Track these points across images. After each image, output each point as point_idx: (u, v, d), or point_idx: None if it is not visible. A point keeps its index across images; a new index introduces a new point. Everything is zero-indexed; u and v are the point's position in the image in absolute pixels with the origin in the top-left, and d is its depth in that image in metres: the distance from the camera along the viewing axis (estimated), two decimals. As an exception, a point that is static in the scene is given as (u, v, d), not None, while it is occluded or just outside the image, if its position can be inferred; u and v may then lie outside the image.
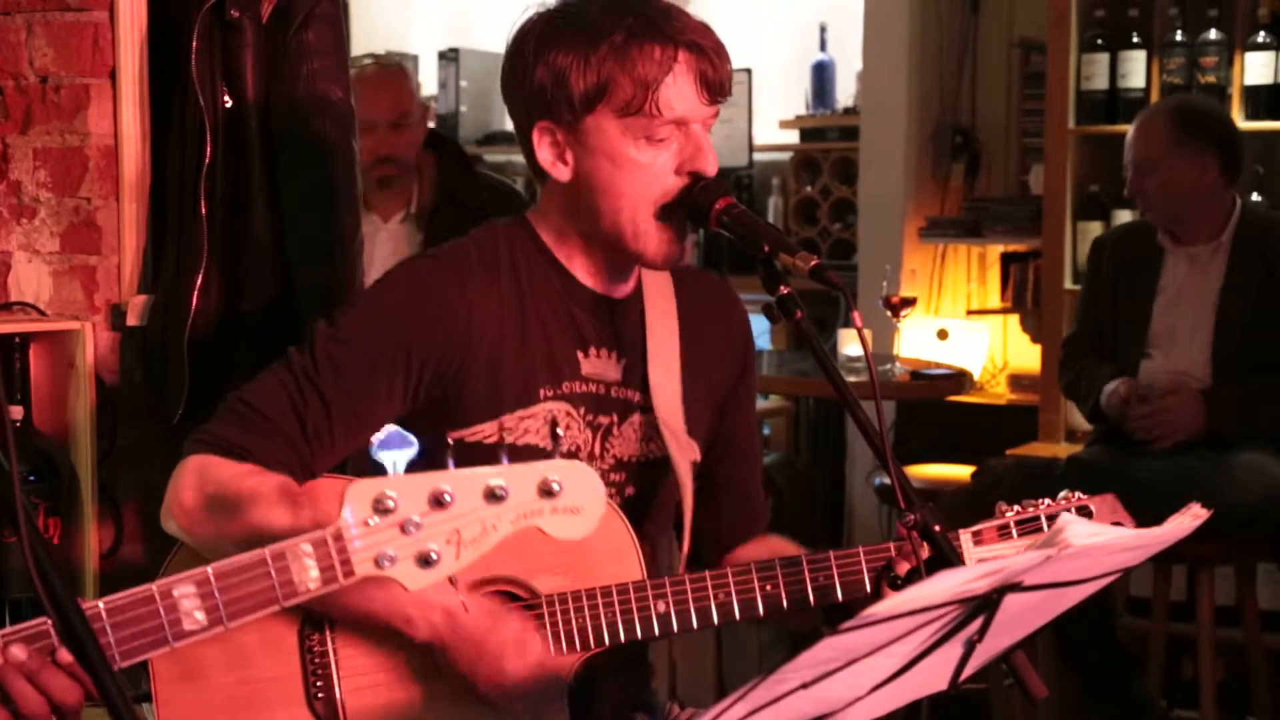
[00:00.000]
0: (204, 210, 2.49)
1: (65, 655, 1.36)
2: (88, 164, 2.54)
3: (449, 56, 6.34)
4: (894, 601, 1.26)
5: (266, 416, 1.83)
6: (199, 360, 2.50)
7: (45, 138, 2.57)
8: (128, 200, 2.55)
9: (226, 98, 2.51)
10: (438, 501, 1.40)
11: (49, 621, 1.36)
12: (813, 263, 1.77)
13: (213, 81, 2.49)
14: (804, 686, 1.26)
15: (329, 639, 1.82)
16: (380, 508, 1.40)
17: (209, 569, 1.41)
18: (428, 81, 6.61)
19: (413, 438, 1.43)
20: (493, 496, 1.42)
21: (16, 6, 2.56)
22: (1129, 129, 3.79)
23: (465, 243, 1.96)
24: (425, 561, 1.41)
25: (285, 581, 1.41)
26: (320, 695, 1.82)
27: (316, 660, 1.82)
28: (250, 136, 2.52)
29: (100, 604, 1.38)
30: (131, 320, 2.55)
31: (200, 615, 1.40)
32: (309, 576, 1.41)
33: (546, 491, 1.43)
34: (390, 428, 1.43)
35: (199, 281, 2.49)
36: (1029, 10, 5.10)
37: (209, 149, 2.48)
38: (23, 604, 2.31)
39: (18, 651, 1.36)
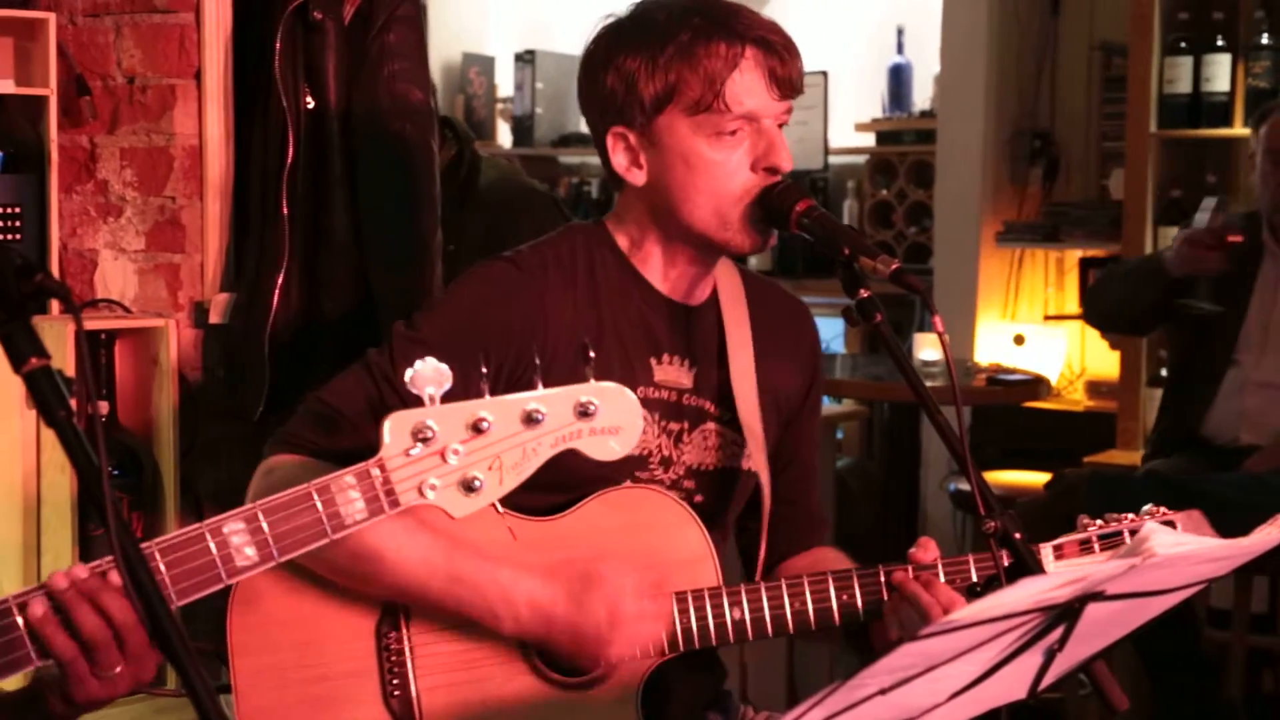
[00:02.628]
0: (285, 210, 2.52)
1: (115, 577, 1.37)
2: (173, 164, 2.58)
3: (525, 59, 6.37)
4: (975, 608, 1.25)
5: (345, 416, 1.84)
6: (279, 358, 2.52)
7: (132, 138, 2.61)
8: (211, 199, 2.58)
9: (309, 99, 2.53)
10: (476, 428, 1.42)
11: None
12: (893, 266, 1.76)
13: (295, 83, 2.52)
14: (882, 692, 1.25)
15: (405, 636, 1.84)
16: (420, 437, 1.42)
17: (257, 505, 1.42)
18: (504, 83, 6.64)
19: (446, 369, 1.43)
20: (530, 420, 1.44)
21: (106, 9, 2.60)
22: (1226, 130, 3.72)
23: (543, 246, 1.97)
24: (468, 488, 1.43)
25: (332, 514, 1.43)
26: (396, 692, 1.83)
27: (393, 658, 1.83)
28: (331, 137, 2.55)
29: (154, 547, 1.39)
30: (214, 318, 2.58)
31: (251, 551, 1.41)
32: (355, 508, 1.43)
33: (584, 412, 1.45)
34: (425, 359, 1.44)
35: (280, 280, 2.52)
36: (1110, 12, 5.04)
37: (291, 149, 2.51)
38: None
39: (79, 570, 1.37)
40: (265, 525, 1.41)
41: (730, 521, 2.01)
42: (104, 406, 2.42)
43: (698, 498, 1.99)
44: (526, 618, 1.78)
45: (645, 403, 1.94)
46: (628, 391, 1.47)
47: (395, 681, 1.83)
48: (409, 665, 1.83)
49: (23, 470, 2.35)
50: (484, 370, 1.85)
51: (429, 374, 1.43)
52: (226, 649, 1.82)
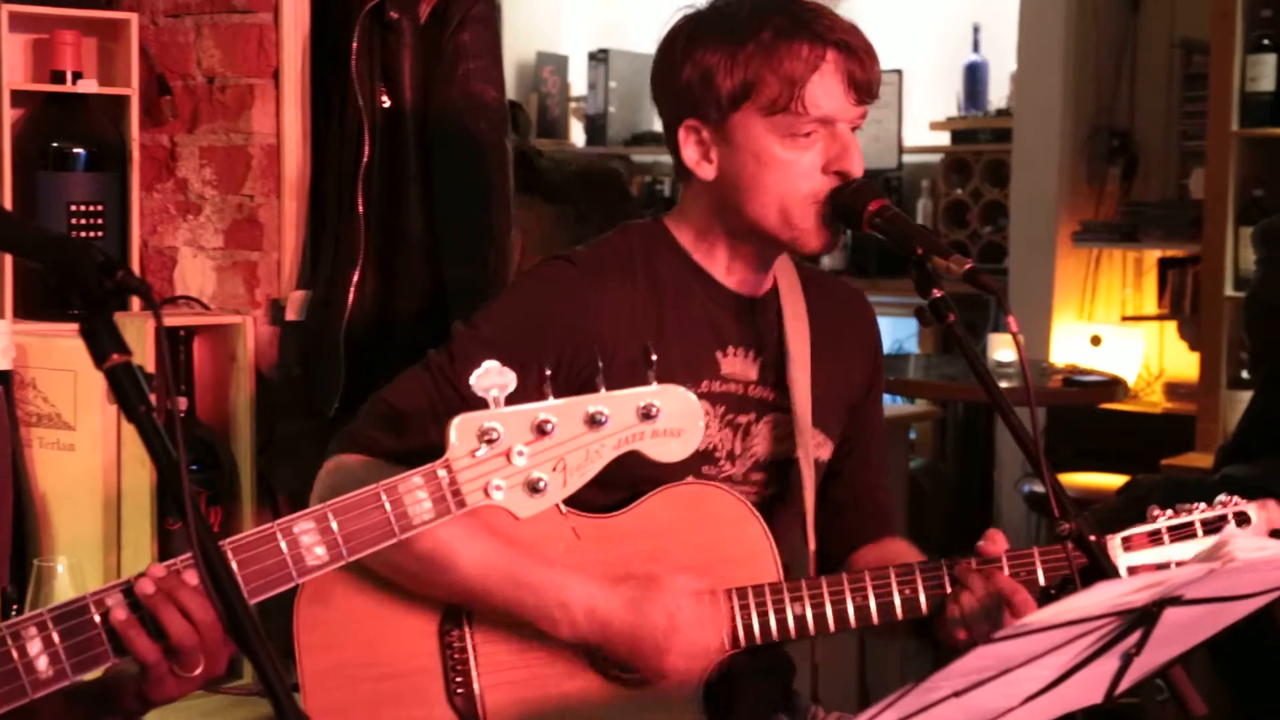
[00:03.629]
0: (361, 208, 2.54)
1: (192, 576, 1.39)
2: (251, 162, 2.61)
3: (599, 57, 6.38)
4: (1050, 611, 1.24)
5: (406, 415, 1.86)
6: (354, 355, 2.54)
7: (211, 136, 2.64)
8: (288, 198, 2.61)
9: (385, 98, 2.55)
10: (541, 430, 1.45)
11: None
12: (967, 266, 1.75)
13: (372, 82, 2.53)
14: (955, 695, 1.25)
15: (468, 634, 1.85)
16: (486, 438, 1.44)
17: (327, 505, 1.45)
18: (577, 82, 6.66)
19: (510, 371, 1.45)
20: (594, 422, 1.46)
21: (186, 9, 2.63)
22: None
23: (601, 245, 1.98)
24: (533, 489, 1.46)
25: (400, 514, 1.45)
26: (460, 690, 1.84)
27: (456, 656, 1.84)
28: (407, 136, 2.56)
29: (227, 546, 1.41)
30: (290, 315, 2.60)
31: (320, 550, 1.43)
32: (422, 509, 1.45)
33: (646, 415, 1.48)
34: (489, 362, 1.45)
35: (355, 278, 2.54)
36: (1191, 9, 4.98)
37: (367, 148, 2.53)
38: (183, 590, 2.37)
39: (157, 569, 1.40)
40: (335, 525, 1.43)
41: (808, 514, 2.01)
42: (182, 402, 2.45)
43: (768, 490, 1.99)
44: (584, 624, 1.79)
45: (710, 397, 1.94)
46: (689, 394, 1.49)
47: (458, 679, 1.84)
48: (472, 663, 1.84)
49: (103, 463, 2.38)
50: (544, 369, 1.87)
51: (493, 376, 1.45)
52: (294, 646, 1.84)
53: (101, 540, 2.38)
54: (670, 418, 1.48)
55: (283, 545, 1.42)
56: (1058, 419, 4.89)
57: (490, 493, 1.45)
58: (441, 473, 1.45)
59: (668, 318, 1.93)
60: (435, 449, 1.85)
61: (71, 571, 2.18)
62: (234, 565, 1.40)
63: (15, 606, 2.28)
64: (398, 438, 1.85)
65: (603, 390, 1.48)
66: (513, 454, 1.45)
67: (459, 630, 1.84)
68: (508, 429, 1.45)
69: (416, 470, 1.46)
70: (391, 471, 1.80)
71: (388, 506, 1.45)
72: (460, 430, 1.45)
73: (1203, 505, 1.90)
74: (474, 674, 1.84)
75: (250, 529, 2.47)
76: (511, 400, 1.86)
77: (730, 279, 1.97)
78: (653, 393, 1.48)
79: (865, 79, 1.86)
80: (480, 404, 1.84)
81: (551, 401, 1.46)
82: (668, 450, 1.49)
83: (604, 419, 1.46)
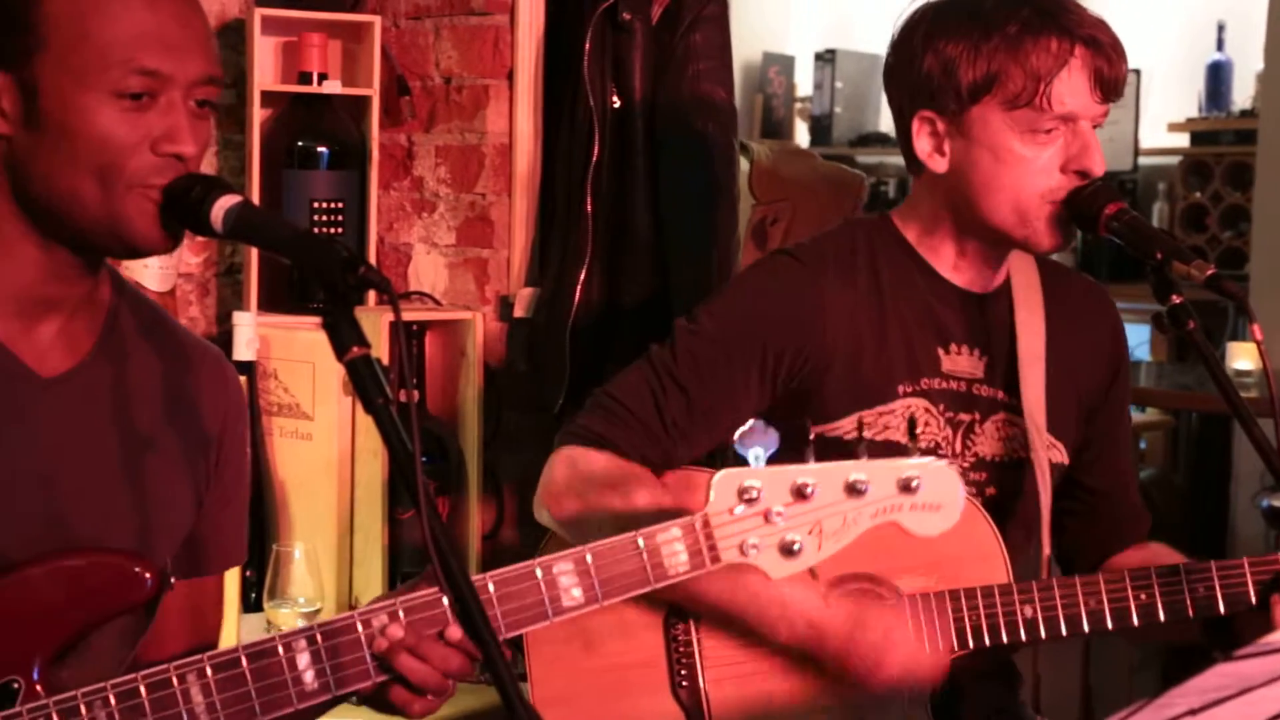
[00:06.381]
0: (589, 207, 2.57)
1: (455, 632, 1.43)
2: (484, 161, 2.66)
3: (825, 58, 6.35)
4: (1295, 632, 1.19)
5: (629, 409, 1.88)
6: (579, 352, 2.58)
7: (446, 136, 2.70)
8: (519, 196, 2.65)
9: (615, 98, 2.58)
10: (800, 493, 1.45)
11: (438, 592, 1.43)
12: (1209, 272, 1.71)
13: (603, 82, 2.56)
14: (1191, 713, 1.21)
15: (694, 628, 1.86)
16: (745, 497, 1.45)
17: (586, 549, 1.47)
18: (803, 83, 6.63)
19: (773, 430, 1.46)
20: (853, 490, 1.46)
21: (426, 11, 2.70)
22: None
23: (823, 240, 1.97)
24: (788, 551, 1.46)
25: (656, 564, 1.47)
26: (684, 684, 1.85)
27: (681, 649, 1.86)
28: (636, 136, 2.58)
29: (489, 579, 1.45)
30: (518, 312, 2.65)
31: (577, 592, 1.47)
32: (678, 560, 1.47)
33: (906, 487, 1.47)
34: (753, 420, 1.46)
35: (582, 276, 2.57)
36: None
37: (597, 148, 2.56)
38: (413, 578, 2.43)
39: (395, 631, 1.43)
40: (592, 569, 1.47)
41: (1037, 517, 1.96)
42: (414, 395, 2.51)
43: (990, 490, 1.95)
44: (803, 633, 1.79)
45: (929, 394, 1.91)
46: (951, 470, 1.48)
47: (683, 673, 1.85)
48: (697, 658, 1.85)
49: (338, 453, 2.45)
50: (763, 366, 1.87)
51: (756, 435, 1.46)
52: (521, 637, 1.88)
53: (335, 528, 2.46)
54: (930, 492, 1.48)
55: (541, 584, 1.47)
56: (1301, 432, 4.69)
57: (746, 550, 1.47)
58: (699, 526, 1.48)
59: (889, 313, 1.91)
60: (657, 441, 1.87)
61: (307, 557, 2.26)
62: (494, 599, 1.44)
63: (253, 594, 2.37)
64: (621, 430, 1.87)
65: (865, 458, 1.48)
66: (771, 514, 1.46)
67: (684, 624, 1.86)
68: (767, 489, 1.46)
69: (675, 521, 1.48)
70: (614, 462, 1.83)
71: (644, 555, 1.48)
72: (720, 486, 1.47)
73: None
74: (699, 668, 1.85)
75: (475, 521, 2.55)
76: (725, 398, 1.87)
77: (957, 274, 1.94)
78: (915, 466, 1.47)
79: (1112, 76, 1.82)
80: (701, 396, 1.86)
81: (813, 465, 1.47)
82: (926, 524, 1.49)
83: (864, 487, 1.46)
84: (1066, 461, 1.99)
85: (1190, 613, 1.82)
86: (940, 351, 1.93)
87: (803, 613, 1.78)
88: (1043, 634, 1.83)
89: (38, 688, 1.38)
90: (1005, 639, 1.82)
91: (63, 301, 1.46)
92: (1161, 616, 1.81)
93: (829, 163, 3.32)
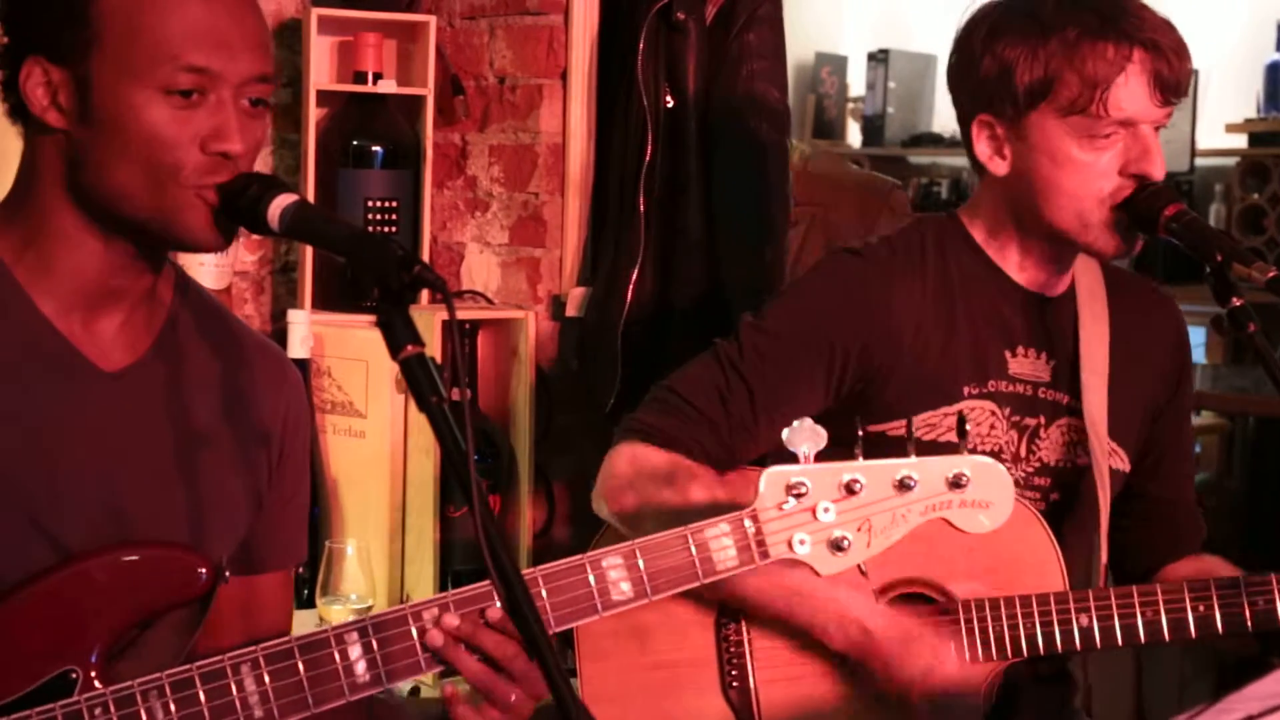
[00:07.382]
0: (642, 207, 2.57)
1: (495, 612, 1.43)
2: (537, 161, 2.67)
3: (878, 58, 6.32)
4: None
5: (693, 405, 1.88)
6: (631, 351, 2.58)
7: (500, 135, 2.71)
8: (572, 196, 2.66)
9: (669, 98, 2.58)
10: (849, 489, 1.45)
11: (489, 585, 1.44)
12: (1270, 274, 1.70)
13: (656, 82, 2.56)
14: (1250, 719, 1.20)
15: (745, 629, 1.85)
16: (794, 492, 1.45)
17: (635, 544, 1.48)
18: (855, 83, 6.61)
19: (822, 429, 1.45)
20: (903, 486, 1.46)
21: (481, 11, 2.71)
22: None
23: (892, 239, 1.96)
24: (837, 547, 1.47)
25: (705, 559, 1.48)
26: (735, 684, 1.85)
27: (732, 649, 1.85)
28: (689, 136, 2.58)
29: (538, 573, 1.46)
30: (570, 311, 2.66)
31: (626, 586, 1.47)
32: (727, 555, 1.48)
33: (955, 484, 1.47)
34: (799, 420, 1.46)
35: (634, 276, 2.57)
36: None
37: (649, 147, 2.56)
38: (464, 576, 2.44)
39: (450, 619, 1.44)
40: (641, 563, 1.48)
41: (1096, 523, 1.95)
42: (467, 393, 2.52)
43: (1054, 495, 1.94)
44: (856, 638, 1.79)
45: (996, 396, 1.90)
46: (1000, 467, 1.48)
47: (734, 673, 1.85)
48: (748, 658, 1.85)
49: (390, 450, 2.47)
50: (830, 364, 1.86)
51: (805, 432, 1.46)
52: (571, 634, 1.88)
53: (387, 525, 2.47)
54: (980, 489, 1.48)
55: (591, 578, 1.47)
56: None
57: (794, 546, 1.48)
58: (748, 523, 1.49)
59: (957, 313, 1.90)
60: (721, 437, 1.86)
61: (359, 554, 2.28)
62: (544, 593, 1.45)
63: (306, 590, 2.38)
64: (684, 425, 1.87)
65: (914, 456, 1.48)
66: (819, 510, 1.47)
67: (736, 625, 1.86)
68: (816, 485, 1.47)
69: (724, 517, 1.49)
70: (675, 459, 1.83)
71: (693, 550, 1.49)
72: (769, 482, 1.48)
73: None
74: (750, 669, 1.85)
75: (526, 518, 2.56)
76: (790, 395, 1.87)
77: (1023, 276, 1.93)
78: (964, 462, 1.47)
79: (1173, 78, 1.80)
80: (766, 392, 1.85)
81: (861, 462, 1.47)
82: (975, 522, 1.49)
83: (913, 484, 1.47)
84: (1128, 468, 1.97)
85: (1250, 626, 1.80)
86: (1006, 353, 1.92)
87: (857, 619, 1.78)
88: (1098, 643, 1.82)
89: (95, 679, 1.40)
90: (1060, 648, 1.81)
91: (125, 295, 1.48)
92: (1220, 629, 1.79)
93: (861, 169, 3.32)
